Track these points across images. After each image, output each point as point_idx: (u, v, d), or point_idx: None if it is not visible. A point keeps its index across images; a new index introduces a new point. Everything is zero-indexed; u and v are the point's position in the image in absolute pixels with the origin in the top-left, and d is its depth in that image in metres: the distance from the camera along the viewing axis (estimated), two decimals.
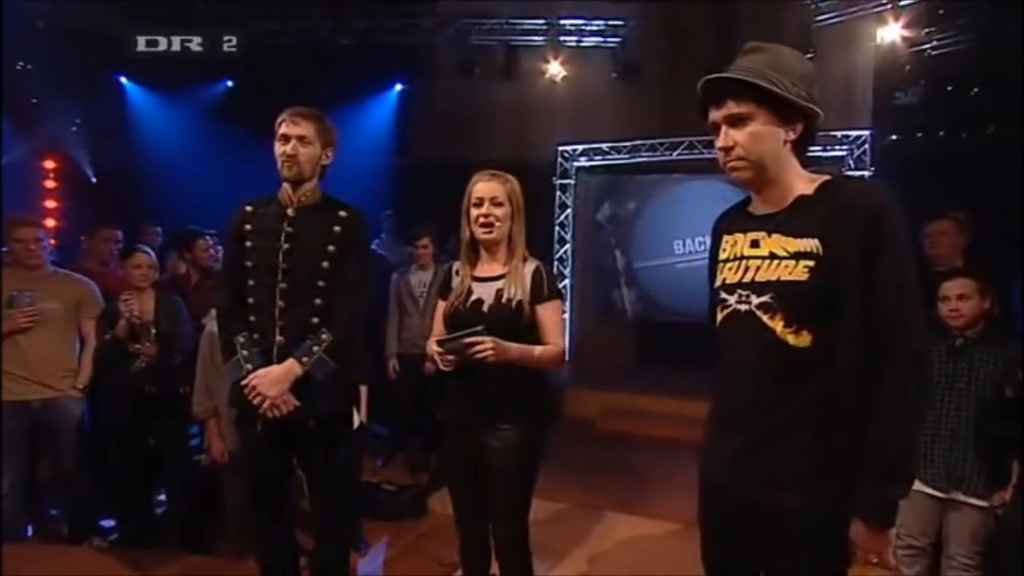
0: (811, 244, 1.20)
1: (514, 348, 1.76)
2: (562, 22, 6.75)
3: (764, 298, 1.25)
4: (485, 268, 1.89)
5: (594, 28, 6.76)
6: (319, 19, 6.62)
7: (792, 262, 1.22)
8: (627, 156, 6.67)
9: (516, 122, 7.01)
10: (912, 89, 6.10)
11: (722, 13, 6.59)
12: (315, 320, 1.84)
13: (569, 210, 7.02)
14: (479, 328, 1.70)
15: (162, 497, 3.11)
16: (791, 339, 1.22)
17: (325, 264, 1.86)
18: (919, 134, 6.04)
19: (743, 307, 1.29)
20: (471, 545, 1.94)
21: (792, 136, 1.25)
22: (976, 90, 6.01)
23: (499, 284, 1.84)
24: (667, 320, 6.59)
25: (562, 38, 6.81)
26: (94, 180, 6.86)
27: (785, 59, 1.26)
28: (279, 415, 1.78)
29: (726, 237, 1.39)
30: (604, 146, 6.75)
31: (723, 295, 1.34)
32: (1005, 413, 2.10)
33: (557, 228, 7.01)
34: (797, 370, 1.22)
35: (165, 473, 2.87)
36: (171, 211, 5.12)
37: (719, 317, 1.37)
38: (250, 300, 1.86)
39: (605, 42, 6.79)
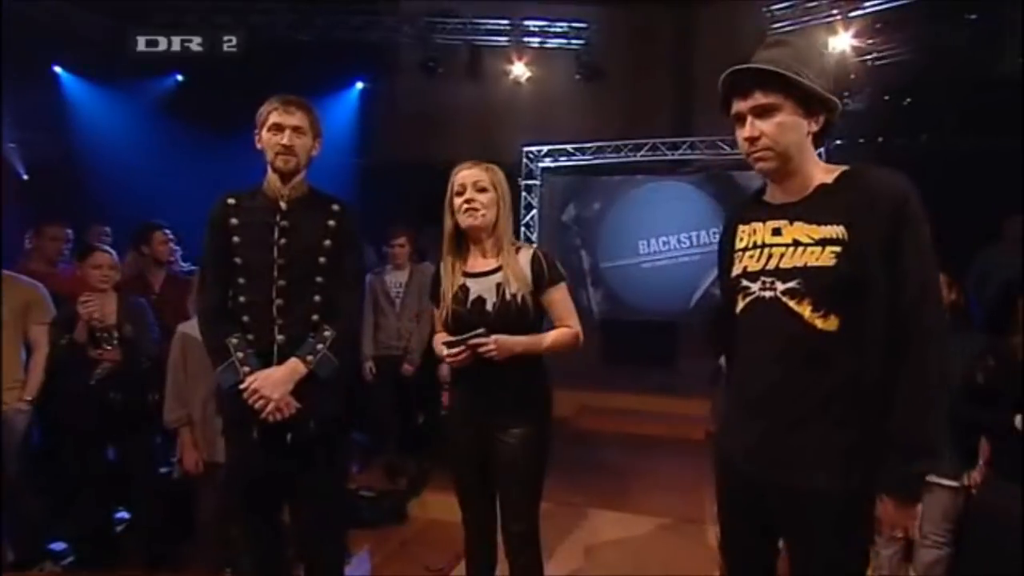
0: (836, 231, 1.22)
1: (519, 342, 1.74)
2: (525, 23, 6.77)
3: (790, 284, 1.26)
4: (478, 262, 1.83)
5: (557, 30, 6.81)
6: (279, 14, 6.39)
7: (818, 248, 1.23)
8: (591, 157, 6.73)
9: (480, 122, 6.98)
10: (858, 96, 6.44)
11: (682, 18, 6.78)
12: (315, 317, 1.77)
13: (535, 211, 7.03)
14: (480, 331, 1.70)
15: (122, 514, 2.90)
16: (819, 323, 1.24)
17: (322, 259, 1.78)
18: (860, 139, 6.39)
19: (767, 294, 1.30)
20: (477, 545, 1.88)
21: (814, 128, 1.28)
22: (909, 100, 6.42)
23: (497, 278, 1.78)
24: (633, 319, 6.69)
25: (526, 39, 6.83)
26: (25, 177, 6.38)
27: (807, 53, 1.29)
28: (281, 418, 1.69)
29: (742, 227, 1.40)
30: (569, 147, 6.80)
31: (744, 283, 1.35)
32: (976, 399, 2.22)
33: (523, 229, 7.01)
34: (825, 353, 1.24)
35: (132, 487, 2.67)
36: (116, 210, 4.81)
37: (740, 305, 1.37)
38: (241, 299, 1.75)
39: (569, 43, 6.84)
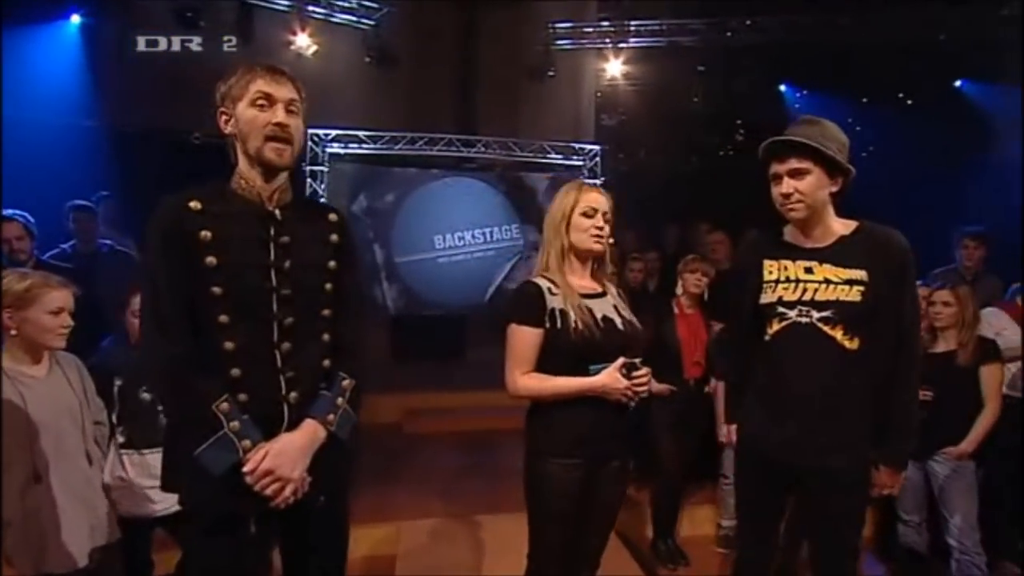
0: (859, 274, 1.58)
1: None
2: None
3: (825, 313, 1.59)
4: (586, 284, 1.74)
5: (346, 5, 6.28)
6: None
7: (847, 287, 1.58)
8: (385, 147, 6.44)
9: None
10: (613, 115, 7.59)
11: (467, 18, 6.91)
12: (326, 363, 1.38)
13: (322, 200, 6.40)
14: (637, 360, 1.64)
15: None
16: (847, 344, 1.59)
17: (328, 286, 1.40)
18: (620, 153, 7.60)
19: (804, 320, 1.61)
20: None
21: (834, 189, 1.61)
22: (642, 125, 7.88)
23: (610, 300, 1.75)
24: (429, 314, 6.68)
25: (310, 8, 6.12)
26: None
27: (831, 131, 1.60)
28: (293, 502, 1.27)
29: (769, 262, 1.69)
30: (361, 134, 6.38)
31: (781, 309, 1.64)
32: None
33: None
34: (850, 367, 1.60)
35: None
36: None
37: (774, 327, 1.65)
38: (227, 345, 1.26)
39: (358, 22, 6.39)
